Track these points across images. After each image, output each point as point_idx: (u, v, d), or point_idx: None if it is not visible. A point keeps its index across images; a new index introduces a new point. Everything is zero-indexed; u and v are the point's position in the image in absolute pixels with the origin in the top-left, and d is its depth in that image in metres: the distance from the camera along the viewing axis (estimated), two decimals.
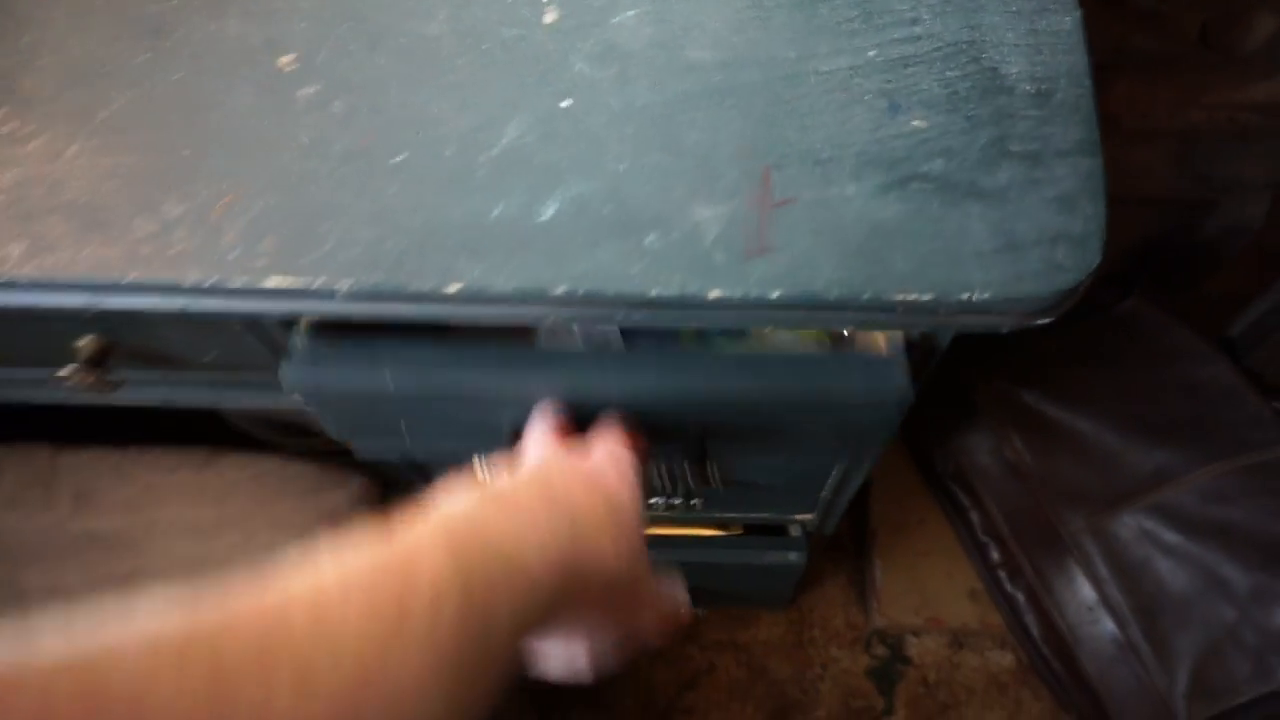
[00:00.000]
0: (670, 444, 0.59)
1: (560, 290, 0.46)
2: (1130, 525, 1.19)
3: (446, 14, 0.53)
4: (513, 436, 0.55)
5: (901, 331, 0.54)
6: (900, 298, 0.45)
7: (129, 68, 0.52)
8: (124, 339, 0.59)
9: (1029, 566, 1.25)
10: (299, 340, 0.55)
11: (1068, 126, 0.48)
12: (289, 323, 0.54)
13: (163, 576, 0.83)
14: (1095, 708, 1.19)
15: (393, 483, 0.90)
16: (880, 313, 0.46)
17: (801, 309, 0.46)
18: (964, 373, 1.29)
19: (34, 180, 0.50)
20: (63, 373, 0.57)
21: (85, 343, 0.58)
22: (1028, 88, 0.49)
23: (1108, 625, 1.19)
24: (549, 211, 0.48)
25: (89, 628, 0.30)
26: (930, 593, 1.32)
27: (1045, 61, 0.50)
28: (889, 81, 0.50)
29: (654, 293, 0.46)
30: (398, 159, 0.49)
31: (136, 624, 0.31)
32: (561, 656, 0.47)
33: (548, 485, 0.44)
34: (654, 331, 0.57)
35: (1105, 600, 1.19)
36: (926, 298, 0.45)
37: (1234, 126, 1.03)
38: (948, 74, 0.50)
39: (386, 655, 0.33)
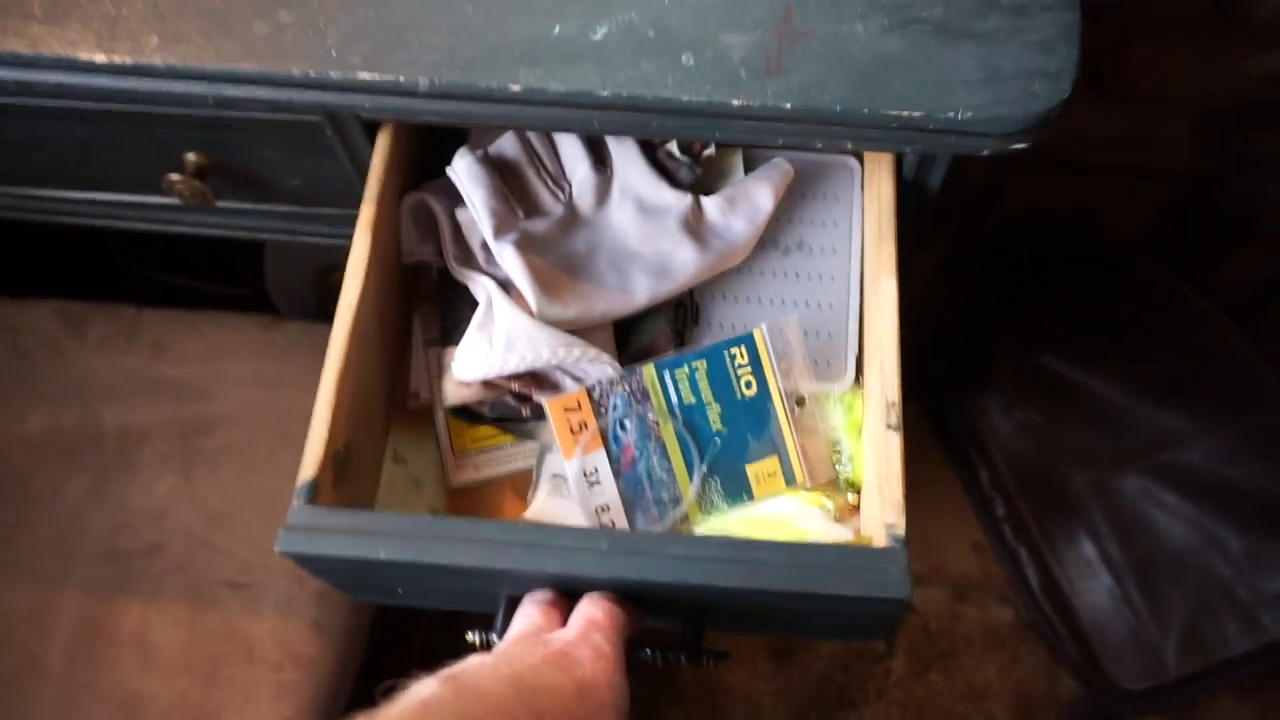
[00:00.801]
0: (665, 618, 0.60)
1: (606, 93, 0.55)
2: (1134, 484, 1.23)
3: None
4: (509, 602, 0.56)
5: (903, 529, 0.54)
6: (895, 113, 0.53)
7: None
8: (224, 157, 0.68)
9: (1033, 521, 1.30)
10: (296, 507, 0.55)
11: None
12: (372, 129, 0.63)
13: (227, 419, 0.92)
14: (1089, 660, 1.24)
15: None
16: (876, 129, 0.54)
17: (809, 121, 0.54)
18: (980, 333, 1.35)
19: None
20: (174, 176, 0.66)
21: (192, 158, 0.67)
22: None
23: (1105, 579, 1.24)
24: (600, 32, 0.56)
25: None
26: (935, 543, 1.38)
27: None
28: None
29: (686, 98, 0.54)
30: None
31: None
32: None
33: (516, 669, 0.46)
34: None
35: (1104, 555, 1.24)
36: (917, 114, 0.53)
37: (1247, 97, 1.09)
38: None
39: None
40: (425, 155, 0.67)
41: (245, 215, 0.75)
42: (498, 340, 0.59)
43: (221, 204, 0.72)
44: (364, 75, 0.56)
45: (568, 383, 0.61)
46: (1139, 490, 1.23)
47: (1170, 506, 1.22)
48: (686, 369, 0.61)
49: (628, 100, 0.55)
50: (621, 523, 0.60)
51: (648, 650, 0.56)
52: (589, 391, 0.60)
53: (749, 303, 0.67)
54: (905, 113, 0.53)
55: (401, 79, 0.56)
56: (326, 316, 0.60)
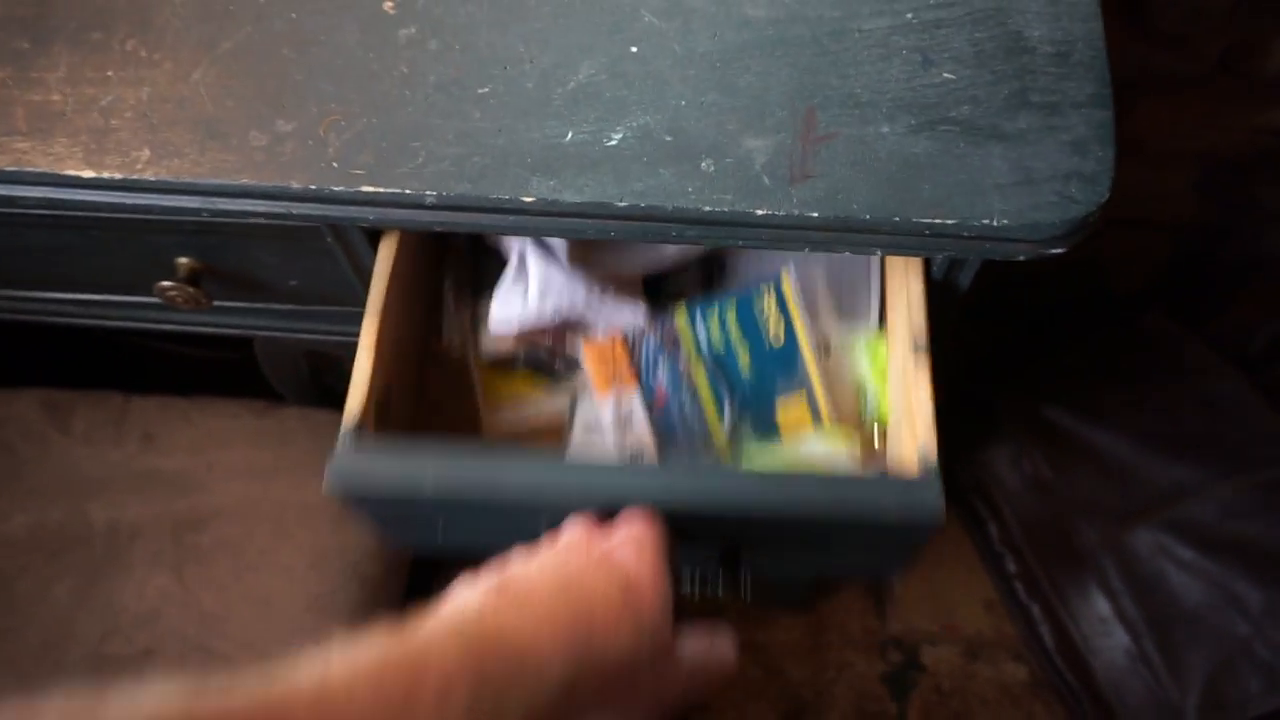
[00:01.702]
0: (703, 549, 0.60)
1: (624, 203, 0.52)
2: (1146, 539, 1.21)
3: None
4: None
5: (935, 454, 0.57)
6: (926, 220, 0.51)
7: (250, 7, 0.59)
8: (218, 262, 0.65)
9: (1045, 578, 1.28)
10: (342, 450, 0.56)
11: (1083, 83, 0.54)
12: (374, 238, 0.60)
13: (221, 513, 0.88)
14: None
15: None
16: (908, 236, 0.52)
17: (837, 229, 0.52)
18: (985, 386, 1.33)
19: (162, 98, 0.56)
20: (165, 283, 0.63)
21: (184, 262, 0.65)
22: (1048, 49, 0.55)
23: (1122, 637, 1.21)
24: (616, 138, 0.54)
25: (91, 704, 0.32)
26: (946, 601, 1.35)
27: (1064, 27, 0.55)
28: (923, 40, 0.56)
29: (707, 209, 0.52)
30: (484, 90, 0.56)
31: (138, 705, 0.32)
32: None
33: (562, 574, 0.45)
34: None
35: (1120, 613, 1.22)
36: (950, 222, 0.51)
37: (1254, 150, 1.08)
38: (976, 35, 0.56)
39: None
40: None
41: (240, 314, 0.72)
42: (532, 290, 0.61)
43: (215, 303, 0.69)
44: (368, 188, 0.53)
45: (599, 334, 0.64)
46: (1152, 545, 1.21)
47: (1185, 562, 1.20)
48: (716, 310, 0.64)
49: (646, 210, 0.52)
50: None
51: (688, 578, 0.57)
52: (622, 337, 0.63)
53: (774, 254, 0.68)
54: (937, 220, 0.51)
55: (408, 191, 0.53)
56: (320, 389, 0.58)
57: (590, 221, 0.53)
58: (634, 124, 0.54)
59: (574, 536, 0.51)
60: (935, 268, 0.60)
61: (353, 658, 0.36)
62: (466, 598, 0.43)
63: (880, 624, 1.37)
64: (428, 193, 0.53)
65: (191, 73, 0.57)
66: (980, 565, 1.34)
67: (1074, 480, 1.26)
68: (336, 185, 0.53)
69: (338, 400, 0.59)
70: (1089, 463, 1.25)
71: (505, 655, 0.39)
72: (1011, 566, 1.31)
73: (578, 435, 0.63)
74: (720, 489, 0.53)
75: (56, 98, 0.57)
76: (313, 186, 0.53)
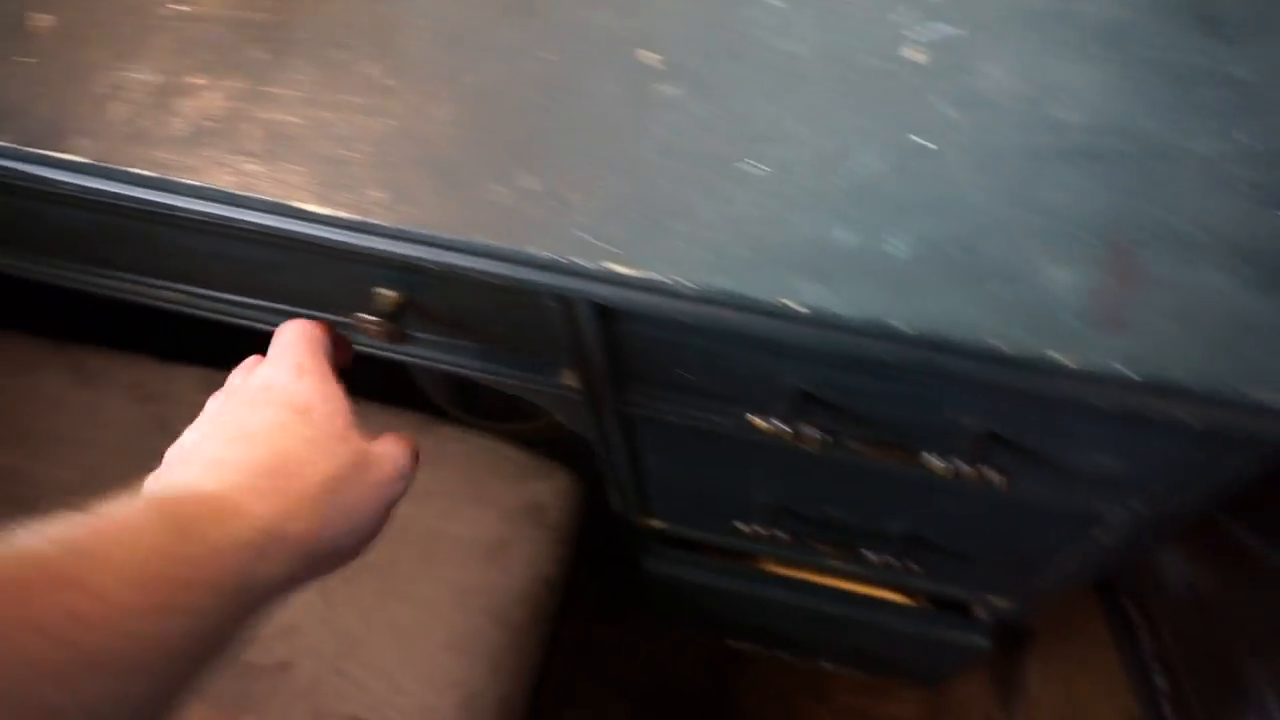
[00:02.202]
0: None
1: (906, 328, 0.46)
2: None
3: (811, 34, 0.54)
4: None
5: None
6: (1264, 399, 0.43)
7: (499, 40, 0.55)
8: (422, 298, 0.61)
9: (1198, 703, 1.18)
10: None
11: None
12: (604, 312, 0.55)
13: None
14: None
15: (596, 481, 0.91)
16: (1235, 411, 0.44)
17: (1150, 393, 0.45)
18: None
19: (401, 133, 0.52)
20: (366, 316, 0.59)
21: (388, 296, 0.61)
22: None
23: None
24: (896, 244, 0.47)
25: None
26: (1080, 702, 1.26)
27: None
28: (1265, 173, 0.48)
29: (1005, 348, 0.45)
30: (750, 168, 0.50)
31: None
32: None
33: (238, 432, 0.47)
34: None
35: None
36: None
37: None
38: None
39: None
40: None
41: (430, 346, 0.68)
42: None
43: (417, 333, 0.66)
44: (616, 267, 0.48)
45: None
46: None
47: None
48: None
49: (931, 339, 0.46)
50: None
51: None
52: None
53: None
54: (1275, 400, 0.43)
55: (662, 279, 0.48)
56: (477, 403, 0.53)
57: (864, 342, 0.47)
58: (918, 230, 0.48)
59: (229, 385, 0.54)
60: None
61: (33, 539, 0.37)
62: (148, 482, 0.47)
63: (1004, 717, 1.29)
64: (684, 283, 0.47)
65: (433, 108, 0.53)
66: (1124, 674, 1.25)
67: (1248, 605, 1.16)
68: (581, 259, 0.48)
69: (493, 413, 0.55)
70: (1268, 589, 1.15)
71: (198, 503, 0.42)
72: (1161, 683, 1.21)
73: None
74: None
75: (292, 119, 0.53)
76: (556, 258, 0.48)
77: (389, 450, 0.51)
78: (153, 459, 0.91)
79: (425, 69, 0.54)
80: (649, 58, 0.53)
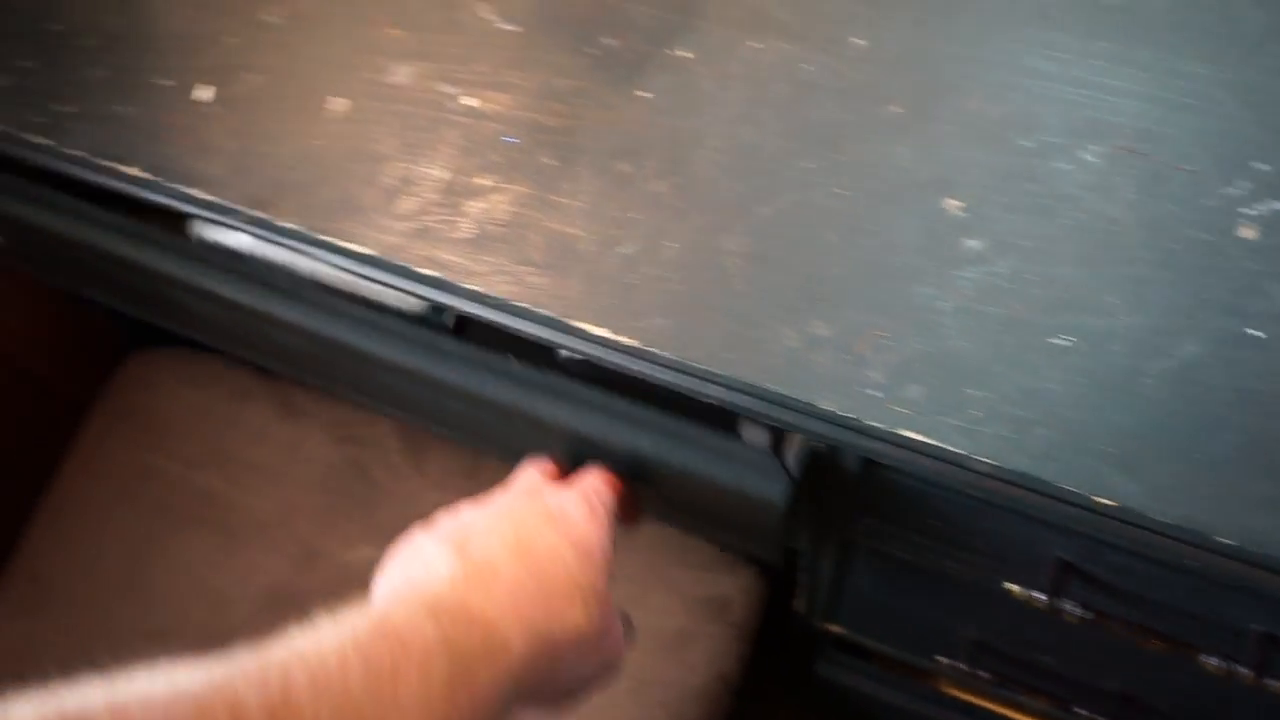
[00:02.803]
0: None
1: (1220, 536, 0.42)
2: None
3: (1131, 198, 0.50)
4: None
5: None
6: None
7: (794, 171, 0.53)
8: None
9: None
10: None
11: None
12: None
13: None
14: None
15: (781, 580, 0.88)
16: None
17: None
18: None
19: (686, 260, 0.51)
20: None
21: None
22: None
23: None
24: (1220, 446, 0.44)
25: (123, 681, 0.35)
26: None
27: None
28: None
29: None
30: (1060, 341, 0.47)
31: (159, 681, 0.35)
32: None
33: (519, 536, 0.47)
34: None
35: None
36: None
37: None
38: None
39: (385, 716, 0.36)
40: None
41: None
42: None
43: None
44: (909, 433, 0.46)
45: None
46: None
47: None
48: None
49: (1252, 555, 0.42)
50: None
51: None
52: None
53: None
54: None
55: (956, 450, 0.45)
56: None
57: (1170, 545, 0.44)
58: (1242, 429, 0.44)
59: (528, 484, 0.53)
60: None
61: (339, 632, 0.38)
62: (430, 560, 0.46)
63: None
64: (980, 459, 0.45)
65: (721, 237, 0.52)
66: None
67: None
68: (873, 419, 0.46)
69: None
70: None
71: (475, 631, 0.42)
72: None
73: None
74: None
75: (577, 232, 0.53)
76: (846, 414, 0.46)
77: (620, 636, 0.51)
78: (345, 500, 0.93)
79: (715, 193, 0.53)
80: (950, 205, 0.51)
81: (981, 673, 0.76)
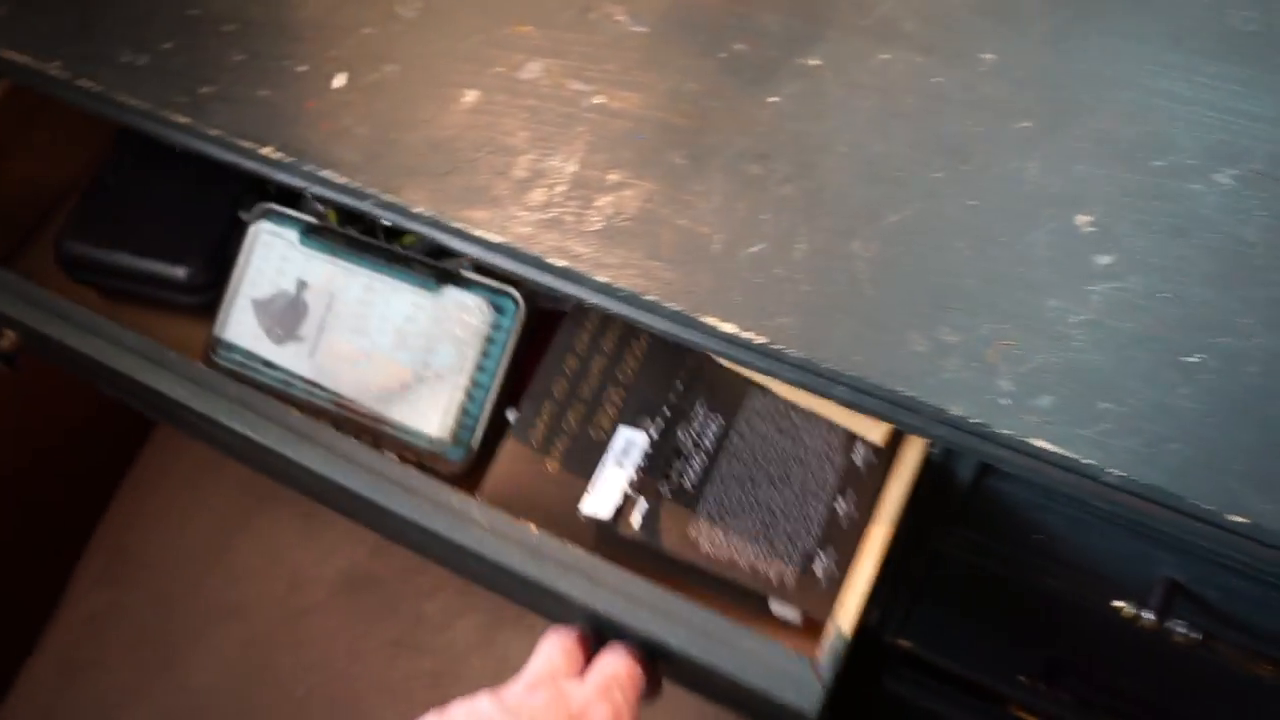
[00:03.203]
0: None
1: None
2: None
3: (1267, 222, 0.51)
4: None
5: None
6: None
7: (924, 180, 0.54)
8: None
9: None
10: None
11: None
12: (986, 467, 0.53)
13: None
14: None
15: None
16: None
17: None
18: None
19: (815, 261, 0.52)
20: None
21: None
22: None
23: None
24: None
25: None
26: None
27: None
28: None
29: None
30: (1193, 358, 0.47)
31: None
32: None
33: None
34: None
35: None
36: None
37: None
38: None
39: None
40: None
41: None
42: None
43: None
44: (1040, 442, 0.46)
45: None
46: None
47: None
48: None
49: None
50: None
51: None
52: None
53: None
54: None
55: (1088, 461, 0.45)
56: None
57: None
58: None
59: (547, 668, 0.52)
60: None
61: None
62: None
63: None
64: (1112, 470, 0.45)
65: (850, 242, 0.52)
66: None
67: None
68: (1004, 428, 0.46)
69: None
70: None
71: None
72: None
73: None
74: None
75: (705, 230, 0.54)
76: (977, 420, 0.47)
77: None
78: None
79: (844, 199, 0.54)
80: (1081, 220, 0.52)
81: (1062, 694, 0.76)
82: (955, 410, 0.47)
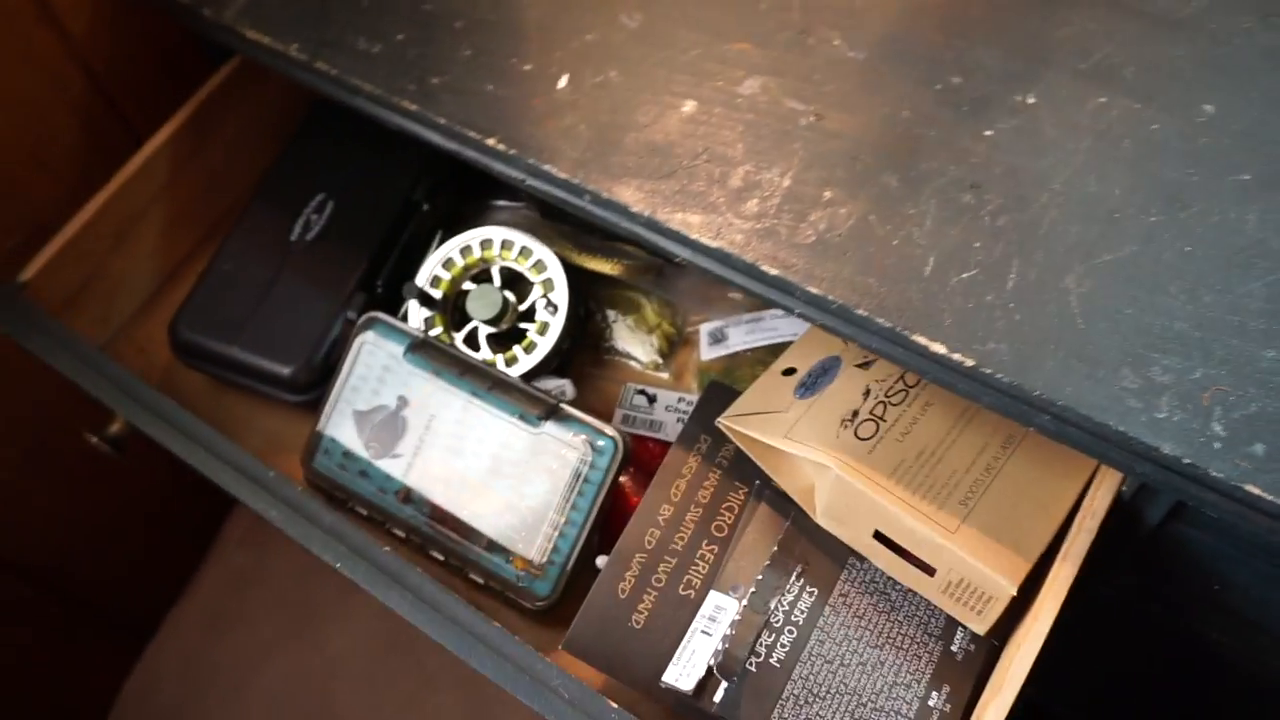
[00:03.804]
0: None
1: None
2: None
3: None
4: None
5: None
6: None
7: (1139, 224, 0.55)
8: None
9: None
10: None
11: None
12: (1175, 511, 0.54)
13: None
14: None
15: None
16: None
17: None
18: None
19: (1027, 296, 0.53)
20: None
21: None
22: None
23: None
24: None
25: None
26: None
27: None
28: None
29: None
30: None
31: None
32: None
33: None
34: None
35: None
36: None
37: None
38: None
39: None
40: None
41: None
42: None
43: None
44: (1251, 488, 0.47)
45: None
46: None
47: None
48: None
49: None
50: None
51: None
52: None
53: None
54: None
55: None
56: None
57: None
58: None
59: None
60: None
61: None
62: None
63: None
64: None
65: (1063, 277, 0.53)
66: None
67: None
68: (1216, 470, 0.47)
69: None
70: None
71: None
72: None
73: None
74: None
75: (916, 252, 0.55)
76: (1188, 461, 0.47)
77: None
78: None
79: (1057, 235, 0.55)
80: None
81: None
82: (1167, 449, 0.48)
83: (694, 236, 0.58)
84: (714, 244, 0.57)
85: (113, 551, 1.07)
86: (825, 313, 0.55)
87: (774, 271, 0.56)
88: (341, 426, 0.73)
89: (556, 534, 0.67)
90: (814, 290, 0.55)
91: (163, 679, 0.97)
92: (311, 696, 0.93)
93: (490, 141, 0.63)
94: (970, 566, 0.56)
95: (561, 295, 0.76)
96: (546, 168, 0.62)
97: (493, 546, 0.69)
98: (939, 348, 0.52)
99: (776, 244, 0.57)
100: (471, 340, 0.77)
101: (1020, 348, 0.52)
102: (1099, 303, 0.52)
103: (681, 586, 0.62)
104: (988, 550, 0.56)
